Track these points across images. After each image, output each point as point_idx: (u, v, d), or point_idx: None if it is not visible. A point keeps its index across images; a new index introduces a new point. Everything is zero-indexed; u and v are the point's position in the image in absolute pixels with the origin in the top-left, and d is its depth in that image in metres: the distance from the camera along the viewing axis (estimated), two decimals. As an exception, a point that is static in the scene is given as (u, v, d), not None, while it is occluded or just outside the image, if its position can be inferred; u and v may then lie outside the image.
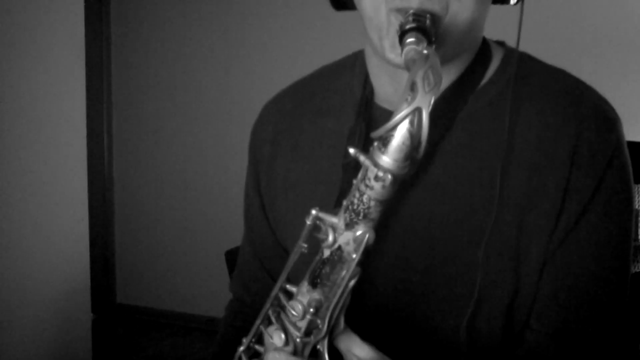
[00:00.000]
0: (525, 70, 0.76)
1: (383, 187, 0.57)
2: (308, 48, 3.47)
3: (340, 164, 0.77)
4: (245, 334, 0.69)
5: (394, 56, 0.68)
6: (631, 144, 0.84)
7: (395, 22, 0.65)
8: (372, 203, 0.58)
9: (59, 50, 2.60)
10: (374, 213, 0.59)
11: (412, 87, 0.55)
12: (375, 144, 0.57)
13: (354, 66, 0.84)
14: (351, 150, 0.58)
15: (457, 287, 0.72)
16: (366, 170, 0.58)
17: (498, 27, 0.90)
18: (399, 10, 0.65)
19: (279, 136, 0.85)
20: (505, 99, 0.73)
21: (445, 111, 0.74)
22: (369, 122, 0.77)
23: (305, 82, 0.89)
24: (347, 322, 0.63)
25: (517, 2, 0.74)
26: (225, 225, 3.36)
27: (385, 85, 0.78)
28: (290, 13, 3.56)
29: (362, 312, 0.71)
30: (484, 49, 0.77)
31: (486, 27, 0.77)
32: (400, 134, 0.56)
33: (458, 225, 0.72)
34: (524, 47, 0.77)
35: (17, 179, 2.45)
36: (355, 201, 0.59)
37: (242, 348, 0.68)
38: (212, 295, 3.65)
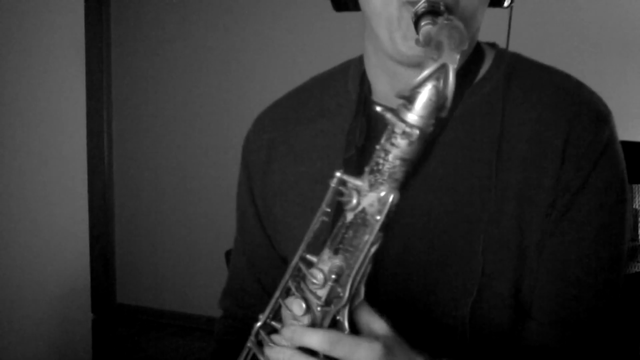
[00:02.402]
0: (518, 67, 0.78)
1: (410, 143, 0.57)
2: (309, 48, 3.47)
3: (337, 162, 0.78)
4: (240, 348, 0.68)
5: (406, 48, 0.69)
6: (631, 144, 0.84)
7: (408, 15, 0.66)
8: (398, 162, 0.58)
9: (59, 50, 2.60)
10: (399, 173, 0.58)
11: (438, 46, 0.56)
12: (401, 102, 0.57)
13: (347, 71, 0.85)
14: (378, 109, 0.58)
15: (460, 280, 0.73)
16: (392, 128, 0.58)
17: (488, 30, 0.91)
18: (410, 3, 0.66)
19: (274, 143, 0.86)
20: (499, 94, 0.74)
21: None
22: (369, 118, 0.78)
23: (298, 92, 0.90)
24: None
25: (510, 4, 0.76)
26: (225, 225, 3.35)
27: (383, 84, 0.79)
28: (290, 13, 3.56)
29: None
30: (477, 49, 0.79)
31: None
32: (426, 91, 0.56)
33: (457, 219, 0.73)
34: (513, 49, 0.79)
35: (17, 179, 2.45)
36: (380, 161, 0.58)
37: (259, 324, 0.65)
38: (212, 295, 3.63)
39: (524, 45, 0.77)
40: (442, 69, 0.56)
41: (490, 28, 0.86)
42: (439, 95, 0.56)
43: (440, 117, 0.57)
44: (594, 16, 2.98)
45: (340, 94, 0.83)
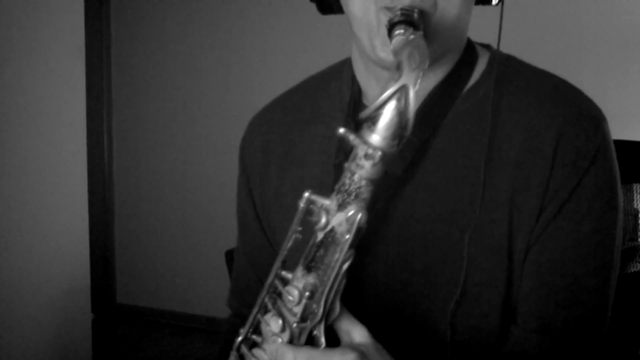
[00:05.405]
0: (512, 71, 0.77)
1: (373, 165, 0.58)
2: (308, 49, 3.47)
3: (332, 167, 0.78)
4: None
5: (385, 54, 0.68)
6: (631, 144, 0.84)
7: (385, 19, 0.66)
8: (363, 182, 0.59)
9: (59, 50, 2.60)
10: (365, 193, 0.59)
11: (398, 67, 0.57)
12: (365, 124, 0.58)
13: (341, 73, 0.84)
14: (341, 130, 0.58)
15: (444, 288, 0.72)
16: (356, 149, 0.58)
17: (479, 28, 0.90)
18: (388, 9, 0.66)
19: (270, 146, 0.86)
20: (490, 100, 0.74)
21: (434, 111, 0.75)
22: (359, 122, 0.78)
23: (292, 93, 0.89)
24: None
25: (498, 2, 0.75)
26: (225, 225, 3.36)
27: (373, 88, 0.78)
28: (290, 13, 3.56)
29: (359, 311, 0.72)
30: (469, 50, 0.78)
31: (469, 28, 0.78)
32: (388, 112, 0.57)
33: (448, 224, 0.73)
34: (505, 49, 0.78)
35: (17, 179, 2.45)
36: (347, 181, 0.59)
37: (240, 338, 0.67)
38: (212, 295, 3.65)
39: (517, 45, 0.76)
40: (403, 89, 0.56)
41: (481, 27, 0.85)
42: (401, 115, 0.57)
43: (404, 136, 0.58)
44: (592, 15, 2.98)
45: (335, 97, 0.83)
